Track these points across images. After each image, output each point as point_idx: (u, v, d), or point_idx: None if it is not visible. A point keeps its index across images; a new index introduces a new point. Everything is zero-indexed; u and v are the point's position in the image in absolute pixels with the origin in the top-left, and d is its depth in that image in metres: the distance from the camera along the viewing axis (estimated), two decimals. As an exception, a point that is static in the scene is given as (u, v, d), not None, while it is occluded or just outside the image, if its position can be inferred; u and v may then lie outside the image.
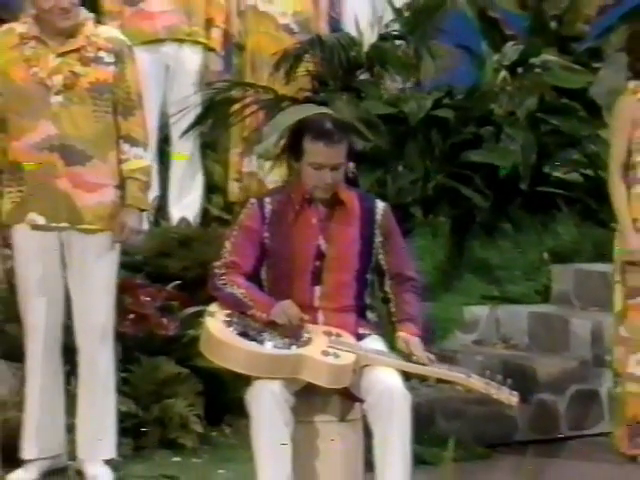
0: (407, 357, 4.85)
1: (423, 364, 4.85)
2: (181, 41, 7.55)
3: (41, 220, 5.63)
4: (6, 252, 5.76)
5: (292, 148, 5.10)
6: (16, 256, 5.73)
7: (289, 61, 7.54)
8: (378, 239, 5.02)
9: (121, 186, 5.73)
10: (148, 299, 6.29)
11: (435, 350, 6.57)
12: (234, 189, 7.85)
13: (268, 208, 5.03)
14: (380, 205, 5.08)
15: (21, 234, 5.68)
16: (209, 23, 7.63)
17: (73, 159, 5.61)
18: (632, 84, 6.50)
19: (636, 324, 6.38)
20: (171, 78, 7.56)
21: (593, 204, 7.35)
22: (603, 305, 6.77)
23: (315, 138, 4.95)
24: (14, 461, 5.62)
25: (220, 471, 4.93)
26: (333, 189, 5.00)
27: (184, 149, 7.63)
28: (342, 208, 5.00)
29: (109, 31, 5.97)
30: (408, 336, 4.89)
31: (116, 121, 5.73)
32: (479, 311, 7.18)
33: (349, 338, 4.86)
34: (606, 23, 9.03)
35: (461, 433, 5.81)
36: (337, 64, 7.62)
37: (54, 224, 5.63)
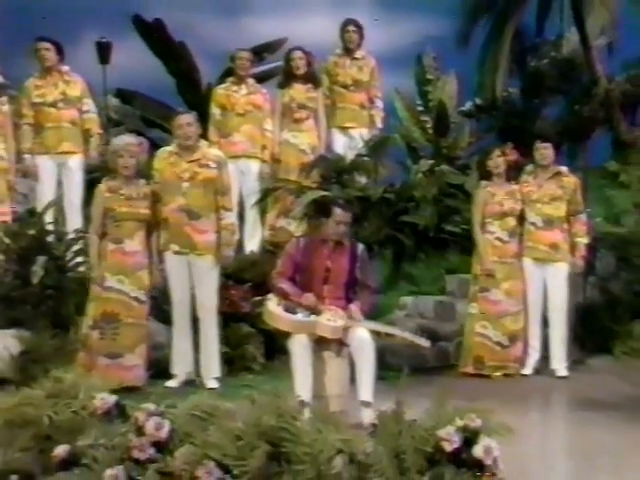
0: (349, 316, 4.76)
1: (357, 320, 4.78)
2: (248, 157, 7.36)
3: (176, 248, 5.68)
4: (162, 267, 5.76)
5: (317, 209, 5.18)
6: (165, 269, 5.75)
7: (307, 169, 7.35)
8: (357, 264, 4.97)
9: (218, 232, 5.74)
10: (234, 292, 6.26)
11: (384, 320, 6.65)
12: (267, 235, 7.48)
13: (302, 243, 5.03)
14: (360, 246, 5.07)
15: (168, 256, 5.72)
16: (263, 148, 7.41)
17: (192, 217, 5.66)
18: (483, 183, 6.56)
19: (482, 307, 6.37)
20: (244, 177, 7.35)
21: (467, 244, 7.05)
22: (470, 297, 6.60)
23: (339, 207, 5.05)
24: (167, 376, 5.67)
25: (274, 383, 4.97)
26: (341, 236, 5.02)
27: (253, 214, 7.45)
28: (341, 246, 4.99)
29: (215, 151, 6.06)
30: (352, 306, 4.83)
31: (216, 198, 5.73)
32: (408, 299, 7.08)
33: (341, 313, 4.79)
34: (472, 151, 9.03)
35: (399, 363, 5.57)
36: (332, 170, 7.36)
37: (183, 251, 5.68)
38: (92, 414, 2.69)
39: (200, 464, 2.52)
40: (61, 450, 2.62)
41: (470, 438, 2.48)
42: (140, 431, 2.60)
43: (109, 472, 2.51)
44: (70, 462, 2.60)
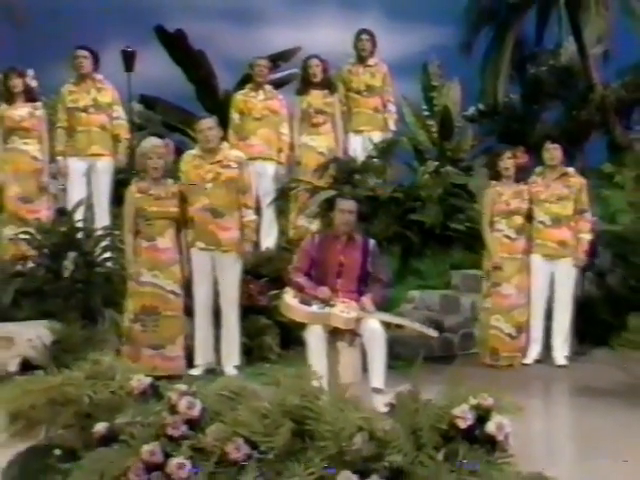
0: (362, 308, 4.80)
1: (370, 312, 4.80)
2: (264, 159, 7.39)
3: (202, 245, 5.73)
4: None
5: (330, 207, 5.22)
6: (191, 264, 5.78)
7: (321, 170, 7.42)
8: (369, 258, 5.01)
9: (240, 229, 5.79)
10: (252, 287, 6.28)
11: (393, 312, 6.65)
12: (291, 233, 7.58)
13: (316, 240, 5.10)
14: (372, 241, 5.12)
15: (193, 253, 5.76)
16: (279, 150, 7.42)
17: (216, 215, 5.71)
18: (492, 183, 6.55)
19: (494, 301, 6.41)
20: (260, 178, 7.29)
21: (470, 241, 7.12)
22: (476, 291, 6.73)
23: (341, 198, 5.18)
24: (189, 365, 5.73)
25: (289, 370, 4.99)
26: (350, 226, 5.02)
27: (269, 213, 7.49)
28: (353, 242, 5.05)
29: (236, 152, 6.06)
30: (364, 298, 4.87)
31: (238, 196, 5.77)
32: (415, 293, 7.02)
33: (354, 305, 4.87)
34: (475, 153, 8.99)
35: (408, 353, 5.57)
36: (344, 171, 7.46)
37: (209, 247, 5.72)
38: (129, 394, 2.76)
39: (230, 440, 2.56)
40: (101, 427, 2.68)
41: (483, 416, 2.54)
42: (174, 410, 2.64)
43: (146, 448, 2.55)
44: (109, 438, 2.66)
